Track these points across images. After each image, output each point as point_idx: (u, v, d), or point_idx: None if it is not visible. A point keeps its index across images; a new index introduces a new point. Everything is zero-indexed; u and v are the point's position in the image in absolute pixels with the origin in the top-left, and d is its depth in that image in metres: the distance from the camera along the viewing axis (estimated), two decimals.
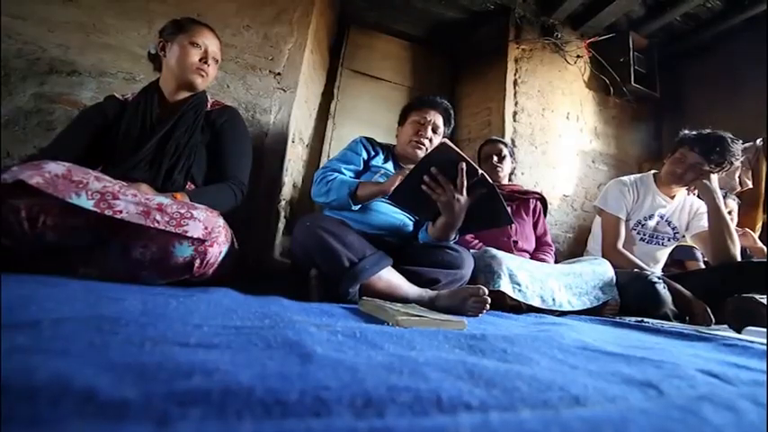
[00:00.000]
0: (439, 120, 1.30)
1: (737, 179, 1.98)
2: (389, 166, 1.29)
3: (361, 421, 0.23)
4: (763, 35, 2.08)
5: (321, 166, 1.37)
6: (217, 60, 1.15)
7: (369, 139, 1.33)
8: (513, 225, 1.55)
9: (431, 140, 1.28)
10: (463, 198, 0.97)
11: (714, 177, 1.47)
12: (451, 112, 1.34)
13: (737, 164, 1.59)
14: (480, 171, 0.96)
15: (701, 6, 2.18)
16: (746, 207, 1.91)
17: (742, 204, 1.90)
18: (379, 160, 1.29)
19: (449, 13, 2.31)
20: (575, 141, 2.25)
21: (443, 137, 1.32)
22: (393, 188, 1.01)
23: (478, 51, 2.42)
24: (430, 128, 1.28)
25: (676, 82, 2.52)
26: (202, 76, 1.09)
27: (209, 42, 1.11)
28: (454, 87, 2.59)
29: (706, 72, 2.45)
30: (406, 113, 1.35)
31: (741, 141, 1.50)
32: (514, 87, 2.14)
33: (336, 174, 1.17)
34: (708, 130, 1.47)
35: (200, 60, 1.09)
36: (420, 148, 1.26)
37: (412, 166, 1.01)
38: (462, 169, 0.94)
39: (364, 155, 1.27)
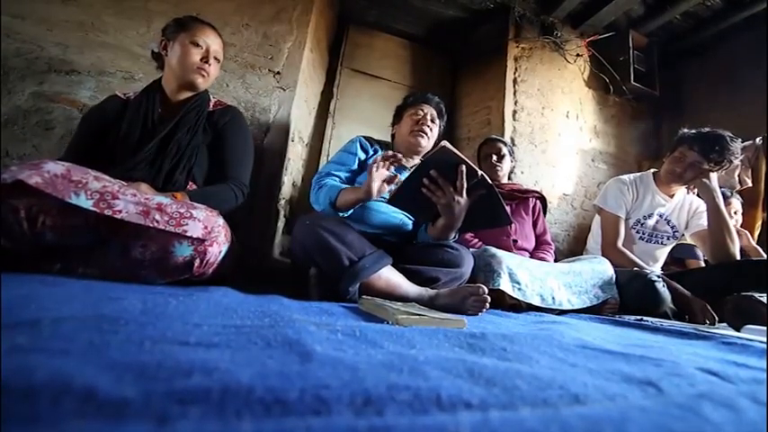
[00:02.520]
0: (434, 113, 1.33)
1: (737, 178, 1.98)
2: None
3: (361, 420, 0.23)
4: (763, 34, 2.08)
5: (320, 166, 1.36)
6: (218, 60, 1.14)
7: (367, 138, 1.33)
8: (512, 224, 1.56)
9: (431, 130, 1.30)
10: (463, 200, 0.97)
11: (714, 176, 1.47)
12: (443, 107, 1.37)
13: (737, 162, 1.59)
14: (480, 172, 0.96)
15: (701, 5, 2.18)
16: (746, 206, 1.92)
17: (742, 203, 1.90)
18: None
19: (448, 11, 2.31)
20: (574, 140, 2.25)
21: (439, 129, 1.35)
22: (374, 191, 0.97)
23: (478, 50, 2.41)
24: (429, 118, 1.30)
25: (676, 81, 2.52)
26: (203, 75, 1.09)
27: (211, 41, 1.10)
28: (454, 86, 2.59)
29: (706, 71, 2.44)
30: (401, 111, 1.37)
31: (740, 140, 1.50)
32: (514, 86, 2.14)
33: (327, 180, 1.16)
34: (707, 129, 1.47)
35: (201, 60, 1.08)
36: (422, 136, 1.28)
37: (390, 153, 1.00)
38: (462, 171, 0.94)
39: (361, 154, 1.27)
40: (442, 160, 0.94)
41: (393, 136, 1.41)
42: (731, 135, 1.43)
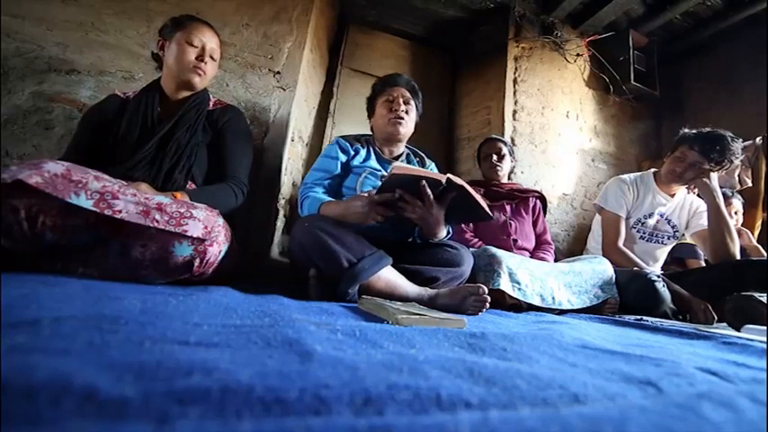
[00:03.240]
0: (406, 93, 1.27)
1: (737, 178, 1.98)
2: (373, 162, 1.26)
3: (360, 419, 0.23)
4: (763, 34, 2.08)
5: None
6: (215, 58, 1.14)
7: (345, 138, 1.29)
8: (512, 223, 1.57)
9: (407, 113, 1.25)
10: (434, 208, 0.97)
11: (714, 176, 1.47)
12: (414, 84, 1.31)
13: (737, 162, 1.59)
14: (445, 177, 0.94)
15: (701, 4, 2.18)
16: (746, 205, 1.92)
17: (743, 203, 1.90)
18: (359, 159, 1.25)
19: (449, 11, 2.31)
20: (574, 140, 2.25)
21: (416, 109, 1.30)
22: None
23: (478, 50, 2.41)
24: (402, 101, 1.25)
25: (676, 80, 2.52)
26: (200, 74, 1.09)
27: (207, 40, 1.10)
28: (454, 86, 2.59)
29: (706, 70, 2.44)
30: (373, 101, 1.33)
31: (741, 140, 1.50)
32: (514, 86, 2.14)
33: (310, 193, 1.13)
34: (708, 129, 1.47)
35: (197, 58, 1.08)
36: (399, 123, 1.23)
37: (370, 192, 0.98)
38: (423, 186, 0.94)
39: (342, 157, 1.23)
40: (399, 181, 0.93)
41: (372, 129, 1.36)
42: (732, 135, 1.44)
